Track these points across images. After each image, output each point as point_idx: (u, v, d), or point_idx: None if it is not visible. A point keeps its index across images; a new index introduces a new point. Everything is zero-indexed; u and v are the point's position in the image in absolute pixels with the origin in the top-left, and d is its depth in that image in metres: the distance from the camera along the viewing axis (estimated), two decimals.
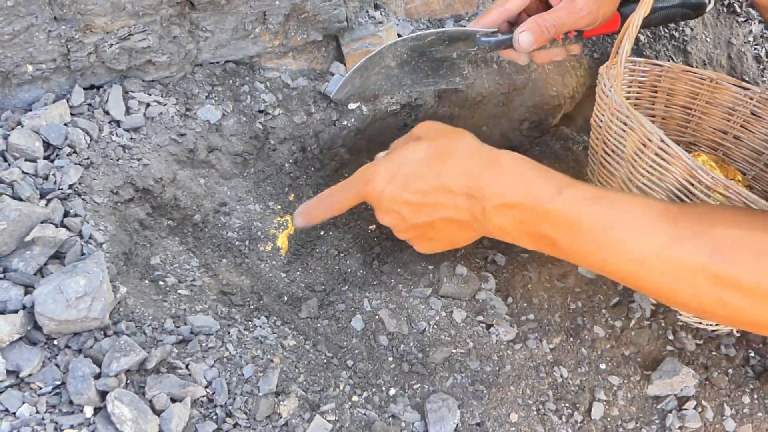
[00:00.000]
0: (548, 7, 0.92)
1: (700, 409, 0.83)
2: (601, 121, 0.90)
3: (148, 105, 0.87)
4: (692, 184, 0.78)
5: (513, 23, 0.95)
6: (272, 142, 0.96)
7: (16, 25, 0.76)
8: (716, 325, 0.89)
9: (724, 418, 0.84)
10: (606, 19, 0.94)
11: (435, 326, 0.80)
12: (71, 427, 0.62)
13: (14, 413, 0.62)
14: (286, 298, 0.86)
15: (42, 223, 0.70)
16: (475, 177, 0.73)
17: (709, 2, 1.08)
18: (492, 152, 0.76)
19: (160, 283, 0.81)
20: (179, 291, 0.81)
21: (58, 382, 0.65)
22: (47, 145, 0.78)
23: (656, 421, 0.82)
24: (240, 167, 0.94)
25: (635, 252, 0.65)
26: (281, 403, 0.70)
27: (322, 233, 0.97)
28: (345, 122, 0.98)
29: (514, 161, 0.74)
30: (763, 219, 0.63)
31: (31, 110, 0.81)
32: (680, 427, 0.82)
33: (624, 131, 0.84)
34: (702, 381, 0.85)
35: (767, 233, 0.61)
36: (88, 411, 0.63)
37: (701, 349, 0.89)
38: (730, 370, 0.88)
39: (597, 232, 0.67)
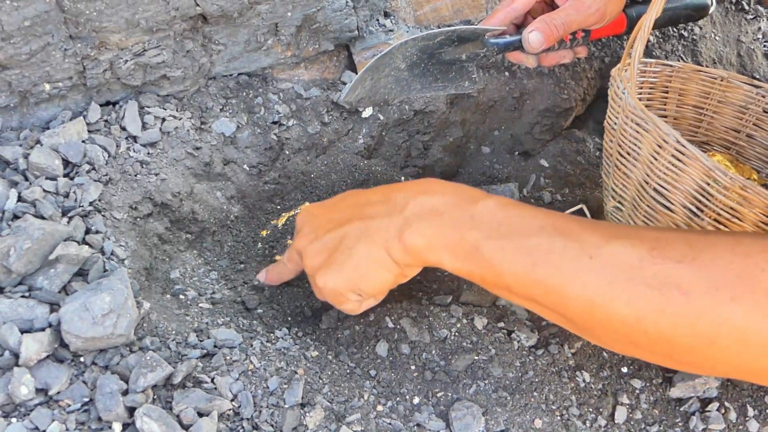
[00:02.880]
0: (553, 7, 0.93)
1: (723, 411, 0.83)
2: (615, 123, 0.90)
3: (163, 120, 0.87)
4: (710, 185, 0.78)
5: (519, 26, 0.95)
6: (287, 152, 0.96)
7: (33, 44, 0.77)
8: None
9: (747, 419, 0.84)
10: (613, 17, 0.95)
11: (456, 334, 0.80)
12: None
13: (44, 431, 0.62)
14: (305, 309, 0.86)
15: (65, 241, 0.71)
16: (398, 187, 0.73)
17: (712, 4, 1.09)
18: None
19: (181, 297, 0.82)
20: (200, 304, 0.81)
21: (87, 399, 0.65)
22: (66, 162, 0.79)
23: (679, 424, 0.82)
24: (255, 179, 0.94)
25: (569, 256, 0.60)
26: (307, 414, 0.70)
27: None
28: (359, 131, 0.98)
29: (439, 181, 0.73)
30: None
31: (48, 128, 0.82)
32: (704, 429, 0.82)
33: (639, 133, 0.84)
34: (724, 382, 0.85)
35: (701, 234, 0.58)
36: (117, 427, 0.64)
37: None
38: None
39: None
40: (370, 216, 0.71)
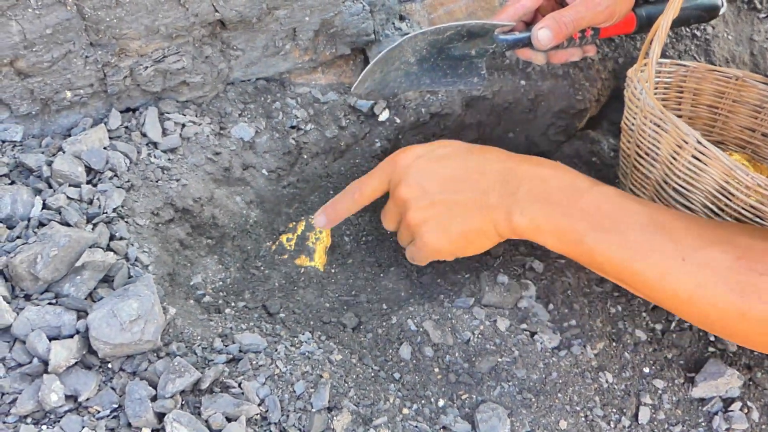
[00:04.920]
0: (563, 5, 0.93)
1: (746, 411, 0.83)
2: (633, 124, 0.90)
3: (183, 125, 0.87)
4: (730, 184, 0.78)
5: (529, 23, 0.95)
6: (305, 156, 0.96)
7: (54, 52, 0.77)
8: None
9: None
10: (622, 16, 0.94)
11: (480, 336, 0.80)
12: None
13: None
14: (328, 313, 0.86)
15: (90, 247, 0.71)
16: (512, 166, 0.76)
17: (723, 5, 1.09)
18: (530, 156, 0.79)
19: (204, 302, 0.82)
20: (223, 309, 0.81)
21: (116, 405, 0.65)
22: (89, 169, 0.79)
23: (703, 424, 0.82)
24: (274, 183, 0.95)
25: (665, 255, 0.67)
26: (334, 418, 0.70)
27: (356, 245, 0.98)
28: (376, 134, 0.98)
29: (551, 162, 0.77)
30: None
31: (70, 135, 0.82)
32: (727, 429, 0.82)
33: (658, 134, 0.84)
34: (746, 382, 0.85)
35: None
36: None
37: (743, 350, 0.89)
38: None
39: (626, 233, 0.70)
40: (484, 190, 0.75)
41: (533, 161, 0.78)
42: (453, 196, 0.76)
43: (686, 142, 0.80)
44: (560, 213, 0.72)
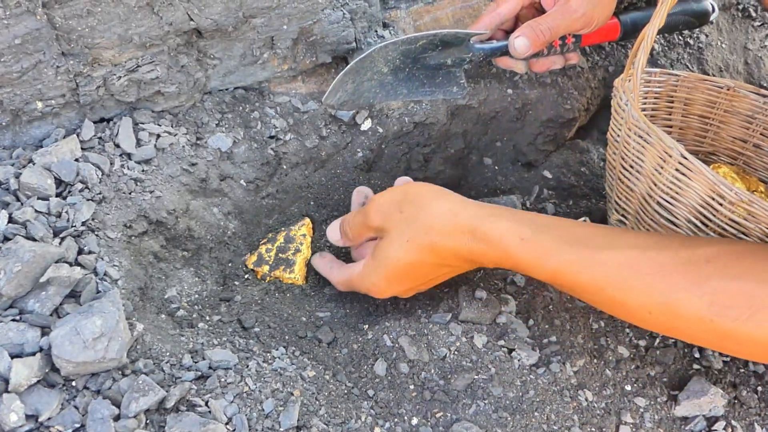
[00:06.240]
0: (543, 13, 0.91)
1: (729, 430, 0.81)
2: (618, 135, 0.88)
3: (158, 136, 0.86)
4: (714, 199, 0.76)
5: (509, 31, 0.94)
6: (285, 167, 0.95)
7: (24, 62, 0.76)
8: None
9: None
10: (602, 22, 0.93)
11: (456, 352, 0.79)
12: None
13: None
14: (304, 327, 0.85)
15: (56, 262, 0.70)
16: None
17: (714, 11, 1.07)
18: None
19: (177, 316, 0.81)
20: (196, 324, 0.80)
21: (78, 425, 0.64)
22: (59, 181, 0.78)
23: None
24: (253, 194, 0.93)
25: (632, 308, 0.68)
26: None
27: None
28: (358, 144, 0.97)
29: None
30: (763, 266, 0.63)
31: (42, 146, 0.81)
32: None
33: (642, 146, 0.83)
34: (731, 400, 0.84)
35: (764, 283, 0.62)
36: None
37: (728, 367, 0.87)
38: (760, 388, 0.86)
39: (585, 292, 0.71)
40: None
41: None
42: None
43: (670, 156, 0.78)
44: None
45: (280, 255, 0.90)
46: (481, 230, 0.73)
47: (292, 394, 0.72)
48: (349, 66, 0.85)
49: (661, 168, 0.81)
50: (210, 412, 0.68)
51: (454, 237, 0.74)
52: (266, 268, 0.90)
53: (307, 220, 0.94)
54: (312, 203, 0.98)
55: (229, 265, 0.90)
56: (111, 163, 0.82)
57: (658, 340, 0.87)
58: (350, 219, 0.84)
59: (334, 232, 0.86)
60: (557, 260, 0.70)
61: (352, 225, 0.83)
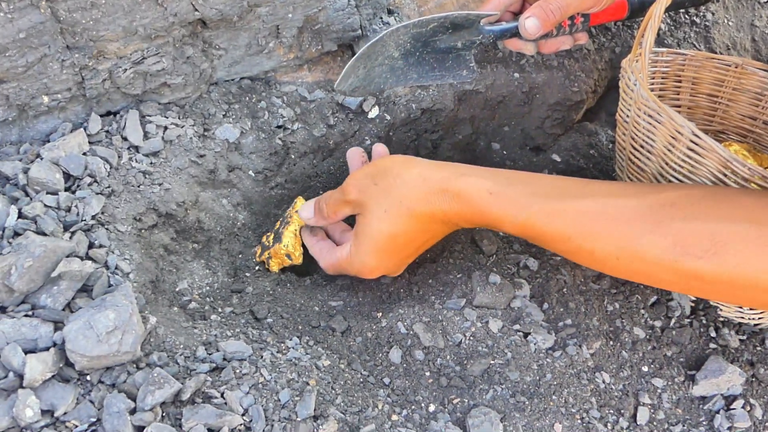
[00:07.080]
0: None
1: (748, 408, 0.81)
2: (628, 116, 0.87)
3: (165, 128, 0.85)
4: (727, 176, 0.75)
5: (516, 13, 0.93)
6: (293, 156, 0.94)
7: (29, 56, 0.75)
8: (759, 319, 0.87)
9: None
10: (611, 0, 0.92)
11: (471, 338, 0.78)
12: None
13: None
14: (317, 317, 0.84)
15: (67, 257, 0.69)
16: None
17: None
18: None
19: (189, 308, 0.80)
20: (209, 316, 0.79)
21: (94, 419, 0.63)
22: (67, 176, 0.77)
23: (704, 423, 0.80)
24: (261, 184, 0.93)
25: (600, 256, 0.69)
26: (320, 427, 0.68)
27: None
28: (365, 132, 0.96)
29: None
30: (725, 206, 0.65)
31: (49, 141, 0.80)
32: (729, 428, 0.79)
33: (653, 126, 0.82)
34: (749, 378, 0.83)
35: (726, 222, 0.63)
36: None
37: (745, 345, 0.86)
38: None
39: (555, 242, 0.72)
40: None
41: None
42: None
43: (681, 134, 0.77)
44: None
45: (275, 234, 0.89)
46: (452, 190, 0.74)
47: (307, 383, 0.71)
48: (360, 51, 0.84)
49: (673, 147, 0.80)
50: (226, 403, 0.67)
51: (428, 201, 0.75)
52: (266, 253, 0.88)
53: (300, 197, 0.91)
54: (321, 192, 0.97)
55: (240, 256, 0.90)
56: (119, 157, 0.81)
57: (673, 321, 0.86)
58: (327, 196, 0.84)
59: (307, 211, 0.86)
60: (526, 212, 0.71)
61: (329, 202, 0.83)
